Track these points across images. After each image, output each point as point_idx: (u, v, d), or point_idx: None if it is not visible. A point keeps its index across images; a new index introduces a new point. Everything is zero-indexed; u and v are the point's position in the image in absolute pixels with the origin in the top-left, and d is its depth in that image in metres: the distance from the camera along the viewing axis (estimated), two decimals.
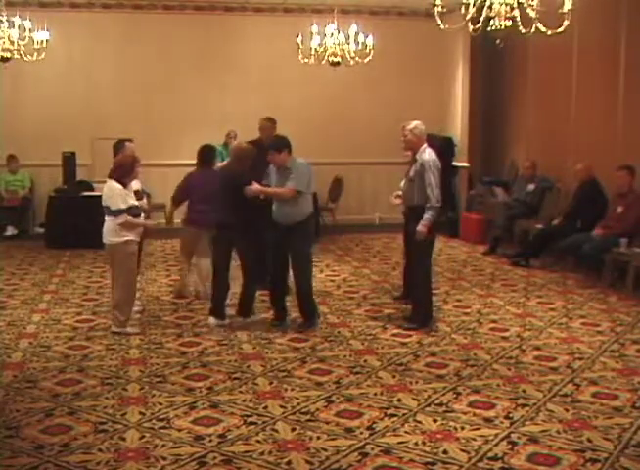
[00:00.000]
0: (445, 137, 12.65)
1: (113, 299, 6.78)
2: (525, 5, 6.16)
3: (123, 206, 6.43)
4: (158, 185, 11.37)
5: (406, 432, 4.53)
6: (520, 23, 6.23)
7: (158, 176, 11.68)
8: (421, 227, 6.65)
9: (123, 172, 6.56)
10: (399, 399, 5.07)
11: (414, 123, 6.86)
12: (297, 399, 5.08)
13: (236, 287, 7.19)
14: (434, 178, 6.67)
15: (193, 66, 12.63)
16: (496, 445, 4.34)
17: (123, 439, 4.41)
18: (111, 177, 6.56)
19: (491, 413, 4.82)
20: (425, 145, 6.83)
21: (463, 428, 4.58)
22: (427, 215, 6.64)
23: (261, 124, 8.18)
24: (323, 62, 10.58)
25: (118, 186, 6.48)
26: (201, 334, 6.65)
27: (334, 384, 5.38)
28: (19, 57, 9.98)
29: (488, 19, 6.20)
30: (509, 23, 6.14)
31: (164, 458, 4.16)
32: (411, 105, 12.80)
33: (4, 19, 9.69)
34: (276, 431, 4.54)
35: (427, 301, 6.96)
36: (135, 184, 6.92)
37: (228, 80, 12.71)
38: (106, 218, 6.56)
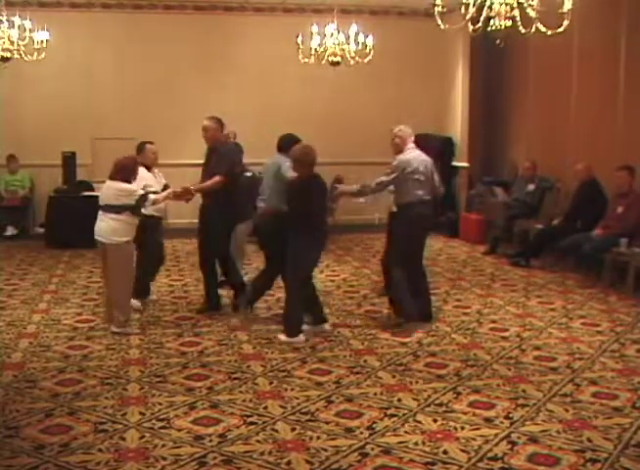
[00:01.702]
0: (445, 137, 12.66)
1: (111, 299, 6.78)
2: (525, 5, 6.16)
3: (141, 191, 6.64)
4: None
5: (406, 432, 4.53)
6: (520, 23, 6.23)
7: None
8: (342, 188, 7.26)
9: (127, 173, 6.67)
10: (399, 399, 5.07)
11: (400, 126, 6.93)
12: (297, 399, 5.08)
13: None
14: (391, 175, 6.72)
15: (193, 66, 12.63)
16: (496, 445, 4.34)
17: (123, 439, 4.41)
18: (113, 178, 6.64)
19: (491, 413, 4.81)
20: (409, 146, 6.84)
21: (463, 428, 4.58)
22: (357, 187, 6.99)
23: (205, 125, 7.29)
24: (323, 62, 10.58)
25: (125, 184, 6.63)
26: (201, 334, 6.65)
27: (334, 384, 5.38)
28: (19, 57, 9.97)
29: (488, 19, 6.19)
30: (509, 22, 6.13)
31: (164, 458, 4.16)
32: (411, 105, 12.81)
33: (4, 19, 9.68)
34: (276, 431, 4.53)
35: (405, 301, 6.79)
36: (151, 179, 7.23)
37: (228, 80, 12.71)
38: (107, 217, 6.60)
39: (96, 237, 6.70)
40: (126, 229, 6.58)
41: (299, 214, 6.34)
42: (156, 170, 7.61)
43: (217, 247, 7.29)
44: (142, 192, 6.64)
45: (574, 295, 8.18)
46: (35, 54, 10.05)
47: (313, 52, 10.41)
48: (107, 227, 6.59)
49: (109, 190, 6.64)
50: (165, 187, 7.43)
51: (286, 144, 7.02)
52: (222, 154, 7.22)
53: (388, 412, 4.83)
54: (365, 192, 7.05)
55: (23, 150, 12.00)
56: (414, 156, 6.80)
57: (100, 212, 6.69)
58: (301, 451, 4.25)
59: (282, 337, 6.43)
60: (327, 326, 6.77)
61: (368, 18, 12.39)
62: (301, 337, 6.40)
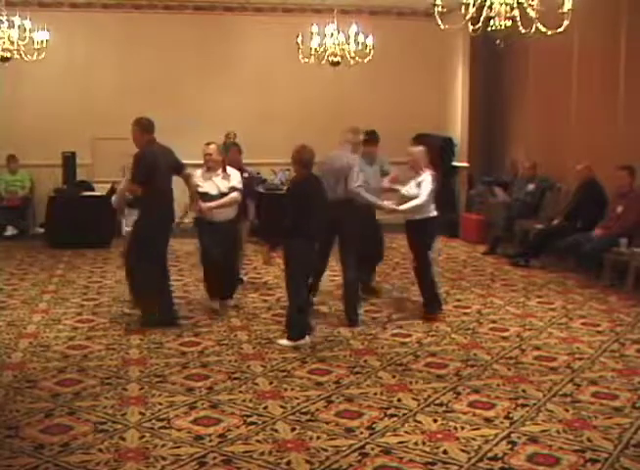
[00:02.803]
0: (445, 137, 12.66)
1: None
2: (525, 5, 6.16)
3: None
4: None
5: (406, 432, 4.53)
6: (520, 23, 6.23)
7: None
8: None
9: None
10: (399, 399, 5.07)
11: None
12: (297, 399, 5.08)
13: None
14: None
15: (192, 65, 12.63)
16: (496, 445, 4.33)
17: (123, 439, 4.41)
18: None
19: (491, 413, 4.81)
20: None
21: (463, 428, 4.57)
22: None
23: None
24: (323, 62, 10.58)
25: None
26: (201, 334, 6.65)
27: (334, 384, 5.38)
28: (19, 57, 9.98)
29: (488, 19, 6.20)
30: (509, 23, 6.14)
31: (164, 458, 4.16)
32: (411, 105, 12.82)
33: (4, 19, 9.69)
34: (276, 431, 4.53)
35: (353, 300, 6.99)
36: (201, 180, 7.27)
37: (228, 80, 12.71)
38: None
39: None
40: None
41: (294, 217, 6.19)
42: (231, 172, 7.41)
43: (146, 252, 6.83)
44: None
45: (574, 295, 8.18)
46: (35, 54, 10.05)
47: (313, 52, 10.41)
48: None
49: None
50: (232, 190, 7.26)
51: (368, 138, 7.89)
52: (136, 160, 6.88)
53: (388, 412, 4.83)
54: None
55: (23, 150, 12.00)
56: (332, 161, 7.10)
57: None
58: (301, 451, 4.25)
59: (283, 341, 6.33)
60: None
61: (368, 18, 12.39)
62: (302, 341, 6.29)
